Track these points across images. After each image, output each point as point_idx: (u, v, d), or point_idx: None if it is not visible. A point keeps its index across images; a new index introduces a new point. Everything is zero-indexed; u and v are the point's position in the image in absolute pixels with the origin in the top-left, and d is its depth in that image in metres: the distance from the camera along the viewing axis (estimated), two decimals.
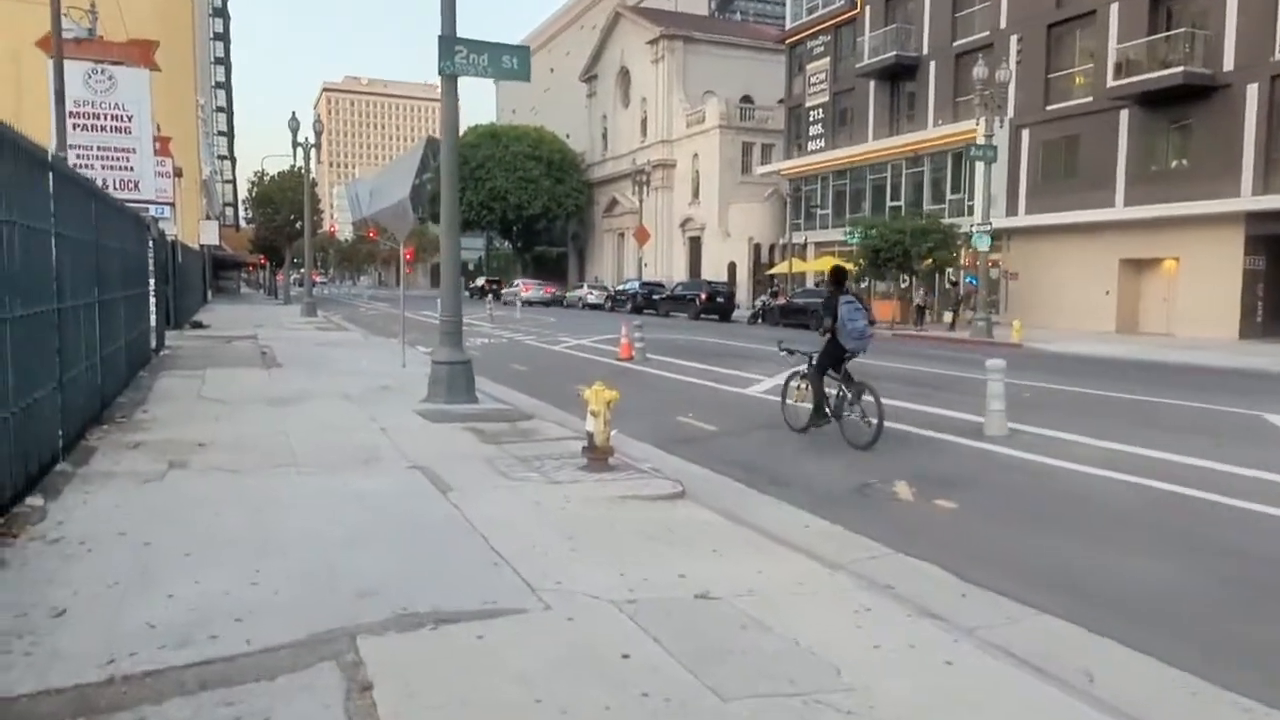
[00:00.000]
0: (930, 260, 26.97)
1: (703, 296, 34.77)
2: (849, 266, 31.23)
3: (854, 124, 36.98)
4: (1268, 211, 21.70)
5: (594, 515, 5.97)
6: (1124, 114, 25.42)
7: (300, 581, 4.45)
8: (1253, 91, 21.99)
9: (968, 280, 28.89)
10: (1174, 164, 24.60)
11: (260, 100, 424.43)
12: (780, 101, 50.87)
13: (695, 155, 50.64)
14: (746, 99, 51.16)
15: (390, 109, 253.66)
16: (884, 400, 8.80)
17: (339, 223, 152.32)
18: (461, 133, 65.45)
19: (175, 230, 24.20)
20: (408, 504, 6.10)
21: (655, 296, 39.72)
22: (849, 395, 9.08)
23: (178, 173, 33.12)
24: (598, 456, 7.25)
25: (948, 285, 27.73)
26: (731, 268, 46.10)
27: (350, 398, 11.58)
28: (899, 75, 34.23)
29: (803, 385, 9.77)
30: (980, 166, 29.13)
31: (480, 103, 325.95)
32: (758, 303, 32.61)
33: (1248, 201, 22.12)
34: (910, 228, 26.55)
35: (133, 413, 9.83)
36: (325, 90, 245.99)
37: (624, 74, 59.14)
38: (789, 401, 10.04)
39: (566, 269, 69.42)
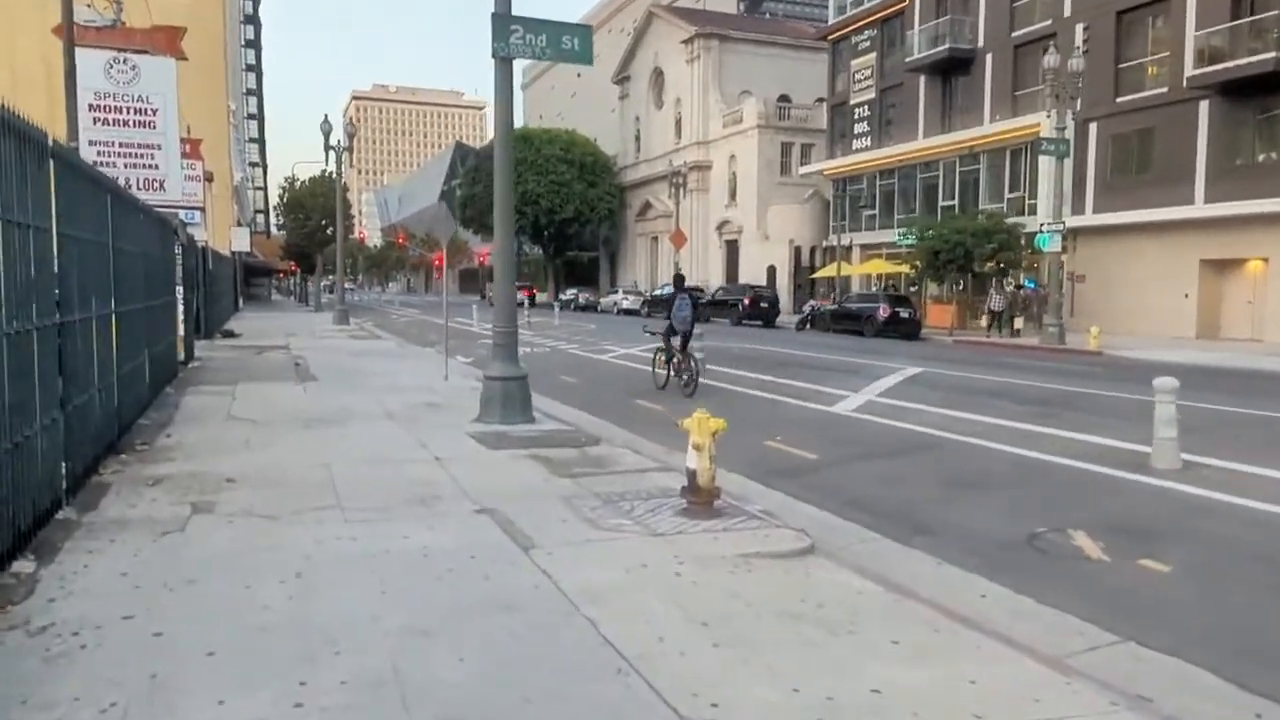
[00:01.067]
0: (994, 262, 25.44)
1: (746, 301, 33.44)
2: (905, 269, 29.79)
3: (903, 121, 35.49)
4: None
5: (719, 585, 4.74)
6: (1204, 105, 23.77)
7: (359, 701, 3.26)
8: None
9: (1027, 284, 27.35)
10: (1261, 158, 22.91)
11: (289, 109, 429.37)
12: (819, 100, 49.45)
13: (732, 156, 49.32)
14: (784, 98, 49.79)
15: (418, 116, 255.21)
16: (1029, 425, 7.44)
17: (368, 229, 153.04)
18: (491, 136, 64.84)
19: (206, 236, 23.35)
20: (483, 567, 4.90)
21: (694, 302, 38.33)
22: (681, 360, 13.20)
23: (209, 177, 32.42)
24: (701, 500, 6.00)
25: (1012, 288, 26.14)
26: (771, 271, 44.70)
27: (394, 417, 10.45)
28: (952, 69, 32.71)
29: (659, 356, 13.80)
30: (1045, 162, 27.60)
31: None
32: (806, 308, 31.21)
33: None
34: (972, 228, 25.04)
35: (155, 437, 8.76)
36: (354, 99, 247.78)
37: (657, 75, 57.99)
38: (656, 370, 13.96)
39: (598, 274, 68.36)
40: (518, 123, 66.23)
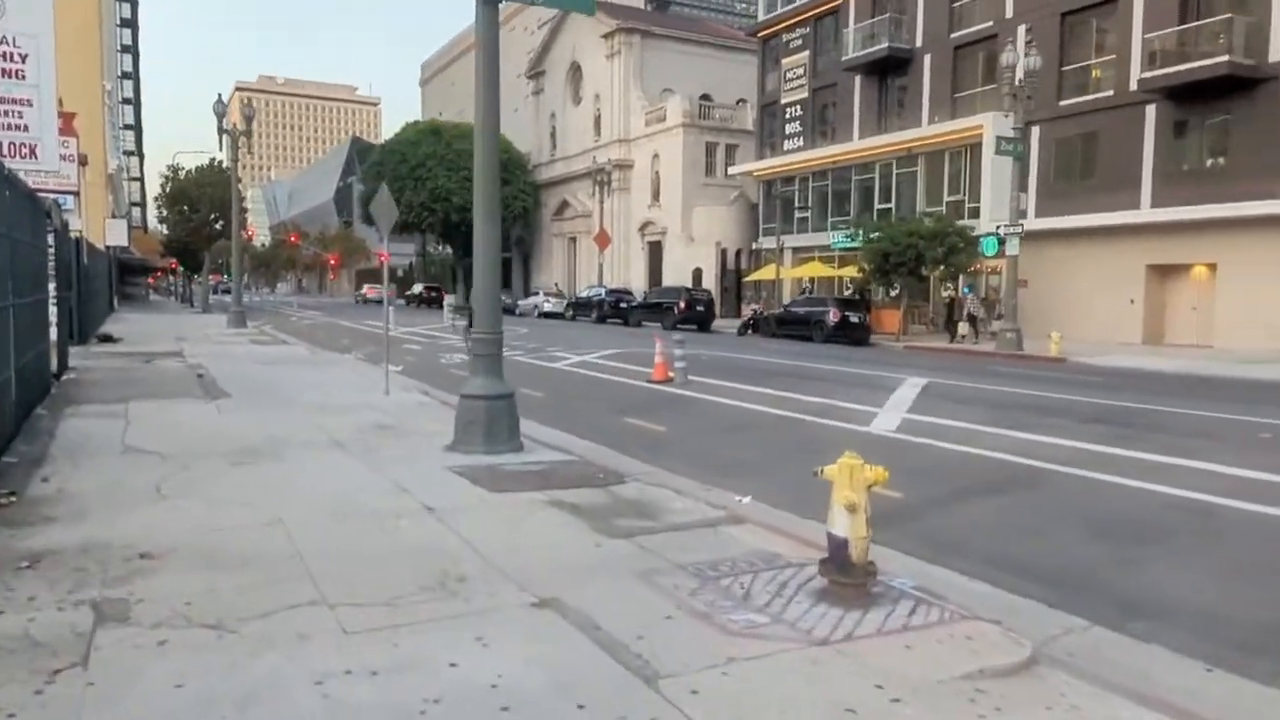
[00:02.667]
0: (944, 266, 24.76)
1: (681, 305, 31.96)
2: (846, 272, 28.83)
3: (837, 121, 34.80)
4: None
5: None
6: (1151, 109, 23.72)
7: None
8: None
9: (964, 290, 26.88)
10: (1209, 162, 22.98)
11: (165, 100, 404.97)
12: (741, 101, 48.64)
13: (655, 155, 47.92)
14: (705, 98, 48.75)
15: (308, 111, 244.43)
16: (1118, 449, 6.04)
17: (256, 227, 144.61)
18: (399, 129, 61.54)
19: (80, 225, 20.16)
20: None
21: (623, 304, 36.72)
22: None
23: (83, 160, 28.69)
24: (854, 581, 4.28)
25: (959, 294, 25.55)
26: (697, 274, 43.46)
27: (345, 446, 8.34)
28: (889, 69, 32.17)
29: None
30: (993, 164, 27.21)
31: (403, 106, 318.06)
32: (748, 311, 29.96)
33: None
34: (923, 230, 24.28)
35: (27, 482, 6.46)
36: (239, 89, 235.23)
37: (575, 69, 56.07)
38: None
39: (510, 275, 65.82)
40: (412, 116, 63.13)
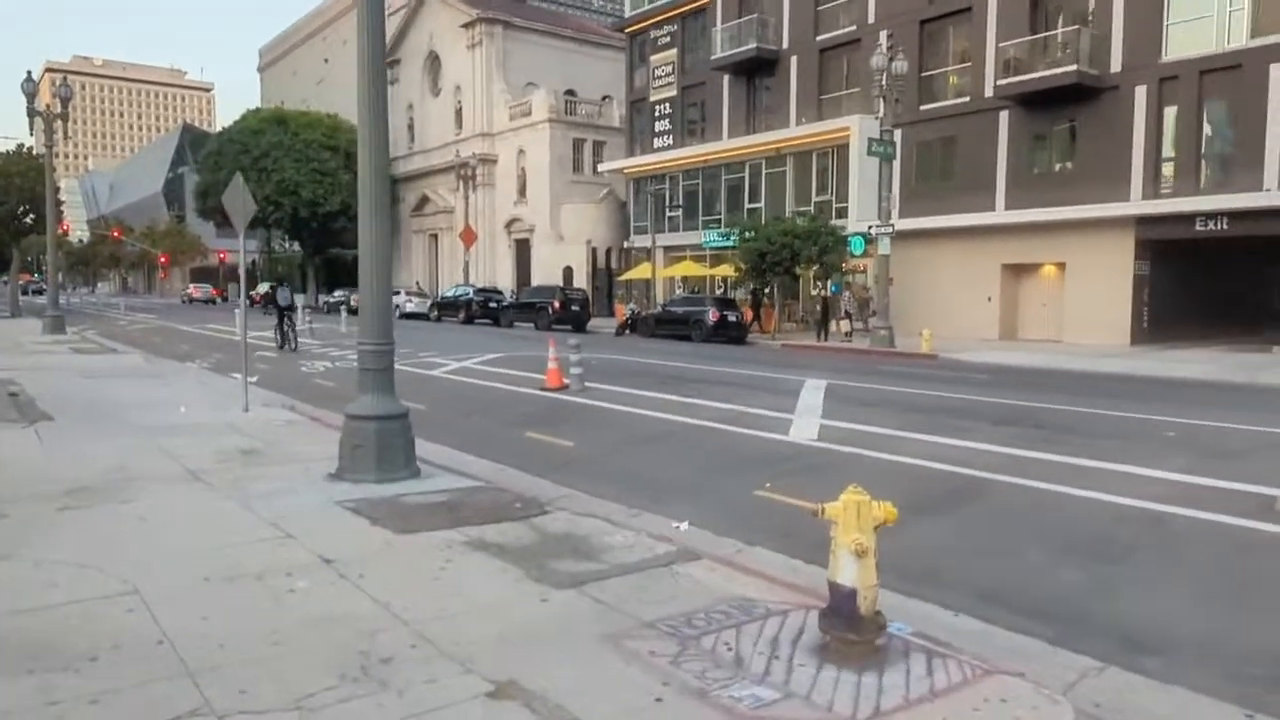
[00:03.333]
0: (817, 265, 25.10)
1: (556, 305, 31.05)
2: (721, 271, 28.77)
3: (707, 120, 34.84)
4: (1156, 215, 21.67)
5: None
6: (1004, 115, 24.91)
7: None
8: (1141, 93, 21.95)
9: (832, 289, 27.46)
10: (1058, 167, 24.36)
11: None
12: (606, 97, 48.16)
13: (521, 151, 46.65)
14: (570, 93, 47.96)
15: (131, 95, 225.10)
16: (1050, 454, 5.86)
17: (71, 221, 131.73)
18: (240, 116, 57.22)
19: None
20: None
21: (493, 305, 35.39)
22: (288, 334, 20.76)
23: None
24: (864, 638, 3.70)
25: (826, 293, 25.99)
26: (567, 273, 42.61)
27: (206, 479, 7.12)
28: (757, 70, 32.45)
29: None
30: (860, 165, 27.87)
31: (239, 95, 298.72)
32: (626, 311, 29.41)
33: (1138, 205, 22.02)
34: (797, 229, 24.50)
35: None
36: (49, 70, 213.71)
37: (433, 59, 53.86)
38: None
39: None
40: (250, 104, 58.99)
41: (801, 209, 29.83)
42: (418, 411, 11.68)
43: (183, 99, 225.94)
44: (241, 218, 10.97)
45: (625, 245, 39.55)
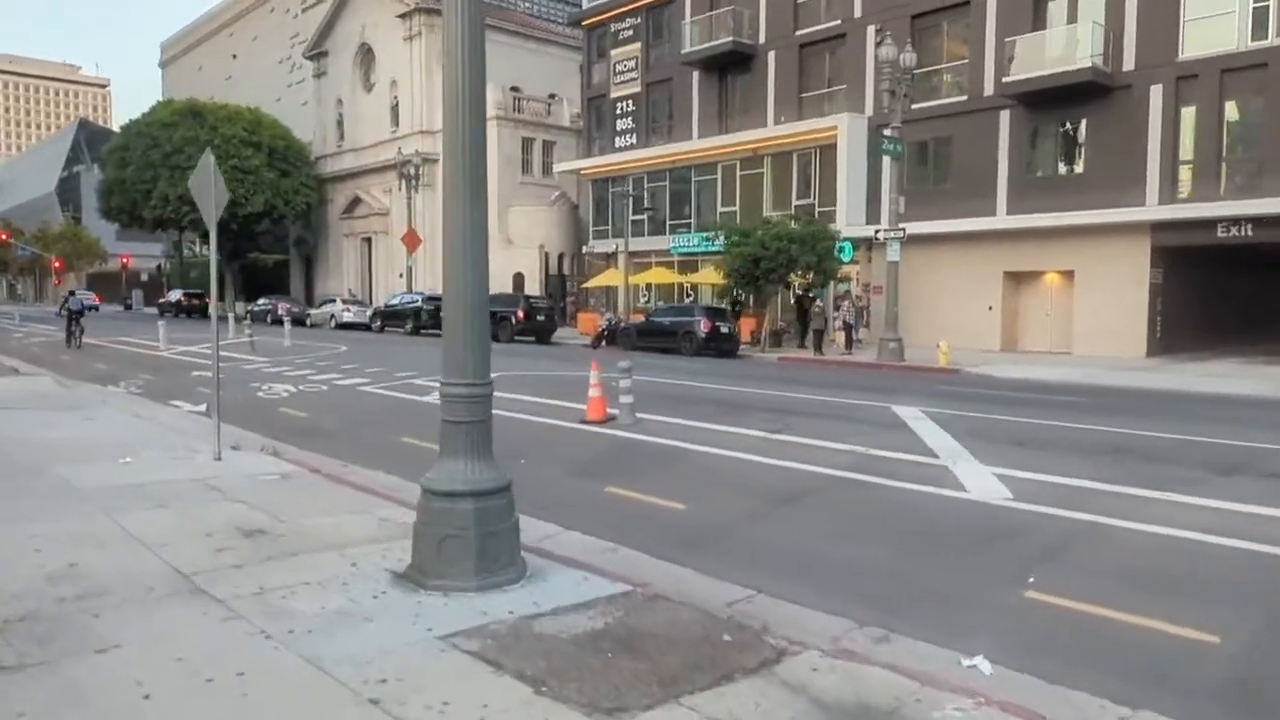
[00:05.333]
0: (813, 272, 23.37)
1: (519, 314, 28.52)
2: (701, 279, 26.74)
3: (675, 119, 32.88)
4: (1174, 221, 20.70)
5: None
6: (1005, 114, 23.74)
7: None
8: (1156, 93, 20.98)
9: (815, 296, 25.84)
10: (1064, 170, 23.26)
11: None
12: (553, 96, 45.84)
13: None
14: (515, 89, 45.45)
15: (19, 91, 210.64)
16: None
17: None
18: (149, 108, 52.47)
19: None
20: None
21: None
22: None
23: None
24: None
25: (820, 302, 24.27)
26: (518, 279, 40.04)
27: (207, 588, 4.71)
28: (730, 66, 30.67)
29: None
30: (847, 168, 26.39)
31: (138, 90, 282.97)
32: (603, 321, 27.08)
33: (1156, 211, 21.01)
34: (795, 233, 22.71)
35: None
36: None
37: (365, 52, 50.43)
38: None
39: (287, 280, 58.55)
40: (150, 101, 54.29)
41: (779, 213, 28.15)
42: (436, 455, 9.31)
43: (77, 95, 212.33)
44: (212, 205, 8.40)
45: (584, 251, 37.27)
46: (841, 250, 24.73)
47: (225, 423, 11.04)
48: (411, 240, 39.24)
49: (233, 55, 77.08)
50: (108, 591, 4.61)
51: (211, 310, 8.48)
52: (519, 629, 4.23)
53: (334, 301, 40.14)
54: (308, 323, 38.88)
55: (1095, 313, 22.09)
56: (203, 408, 12.43)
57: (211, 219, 8.39)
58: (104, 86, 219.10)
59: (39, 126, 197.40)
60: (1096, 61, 21.55)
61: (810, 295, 24.96)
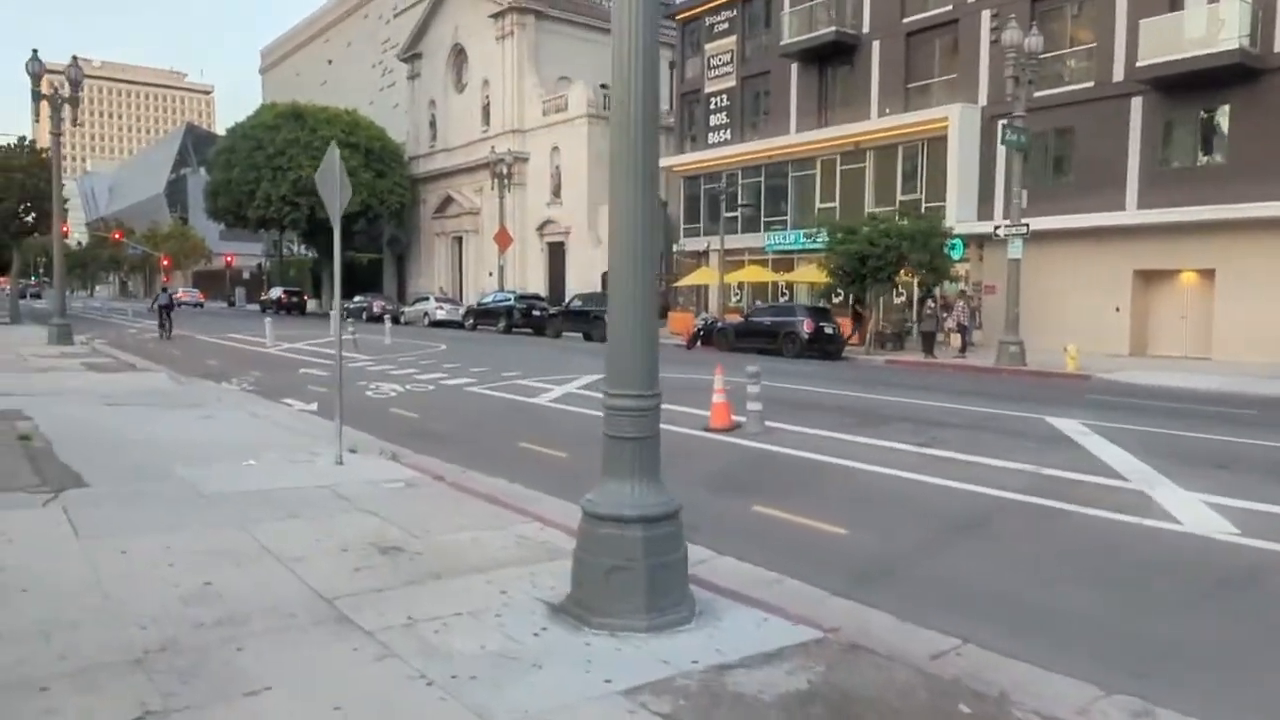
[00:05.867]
0: (924, 271, 22.20)
1: None
2: (800, 277, 25.80)
3: (771, 113, 31.99)
4: None
5: None
6: (1136, 102, 22.11)
7: None
8: None
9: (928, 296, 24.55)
10: (1204, 161, 21.54)
11: None
12: None
13: (555, 148, 43.81)
14: (604, 87, 45.15)
15: (129, 98, 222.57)
16: None
17: (70, 223, 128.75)
18: (254, 111, 54.28)
19: None
20: None
21: (537, 313, 32.48)
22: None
23: None
24: None
25: (932, 304, 23.02)
26: (606, 278, 39.70)
27: (352, 615, 4.26)
28: (831, 58, 29.63)
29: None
30: (958, 161, 25.12)
31: (241, 95, 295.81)
32: (698, 321, 26.51)
33: None
34: (906, 230, 21.61)
35: None
36: (47, 73, 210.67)
37: (458, 52, 51.04)
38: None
39: (381, 279, 59.78)
40: (253, 106, 55.94)
41: (885, 209, 26.98)
42: (566, 464, 8.84)
43: (183, 101, 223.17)
44: (337, 198, 8.11)
45: (673, 249, 36.69)
46: (952, 248, 23.48)
47: (333, 420, 10.88)
48: (503, 239, 39.41)
49: (328, 61, 79.44)
50: (247, 618, 4.22)
51: (334, 312, 8.18)
52: (712, 686, 3.63)
53: (427, 299, 40.58)
54: (401, 320, 39.41)
55: (1239, 316, 20.32)
56: (314, 406, 12.34)
57: (335, 213, 8.09)
58: (208, 93, 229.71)
59: (148, 131, 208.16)
60: (1244, 43, 19.79)
61: (933, 294, 23.73)
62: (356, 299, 45.83)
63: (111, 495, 6.54)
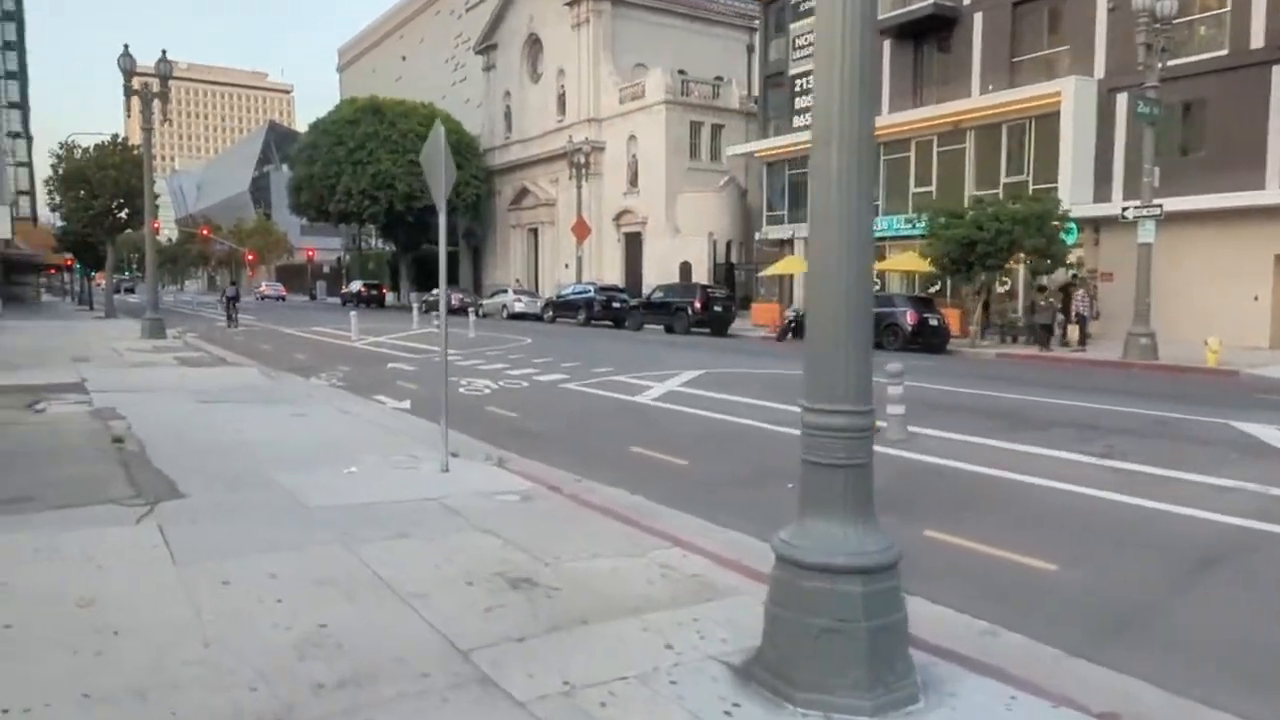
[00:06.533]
0: (1041, 257, 20.57)
1: (697, 304, 27.24)
2: (926, 266, 24.11)
3: None
4: None
5: None
6: (1278, 70, 20.14)
7: None
8: None
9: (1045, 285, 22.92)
10: None
11: (55, 87, 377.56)
12: (718, 79, 44.20)
13: (631, 137, 43.02)
14: (681, 72, 44.14)
15: (215, 98, 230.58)
16: None
17: (160, 219, 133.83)
18: (334, 106, 54.93)
19: None
20: None
21: (617, 305, 31.78)
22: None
23: None
24: None
25: (1044, 294, 21.40)
26: (685, 268, 38.83)
27: (493, 673, 3.42)
28: (927, 33, 28.03)
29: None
30: (1073, 139, 23.39)
31: (319, 94, 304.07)
32: (789, 313, 25.39)
33: None
34: (1021, 214, 20.06)
35: None
36: (139, 75, 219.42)
37: (533, 42, 50.64)
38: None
39: (457, 271, 59.94)
40: (330, 105, 56.40)
41: (988, 191, 25.36)
42: (687, 472, 8.00)
43: (264, 100, 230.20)
44: (442, 179, 7.43)
45: (756, 237, 35.51)
46: (1067, 232, 21.83)
47: (433, 422, 10.24)
48: (581, 230, 38.83)
49: (401, 57, 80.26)
50: (373, 677, 3.49)
51: (441, 305, 7.48)
52: None
53: (505, 292, 40.32)
54: (480, 313, 39.23)
55: None
56: (407, 404, 11.80)
57: (440, 196, 7.43)
58: (288, 92, 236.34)
59: (232, 130, 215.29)
60: None
61: (1070, 282, 22.13)
62: (434, 292, 45.92)
63: (209, 508, 5.95)
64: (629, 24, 45.30)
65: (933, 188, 27.65)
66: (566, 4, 45.94)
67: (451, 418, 10.06)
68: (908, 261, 24.78)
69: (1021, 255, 20.89)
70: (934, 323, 20.81)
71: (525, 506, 6.39)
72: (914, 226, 23.97)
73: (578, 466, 7.79)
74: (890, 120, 29.02)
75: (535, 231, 50.84)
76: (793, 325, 23.98)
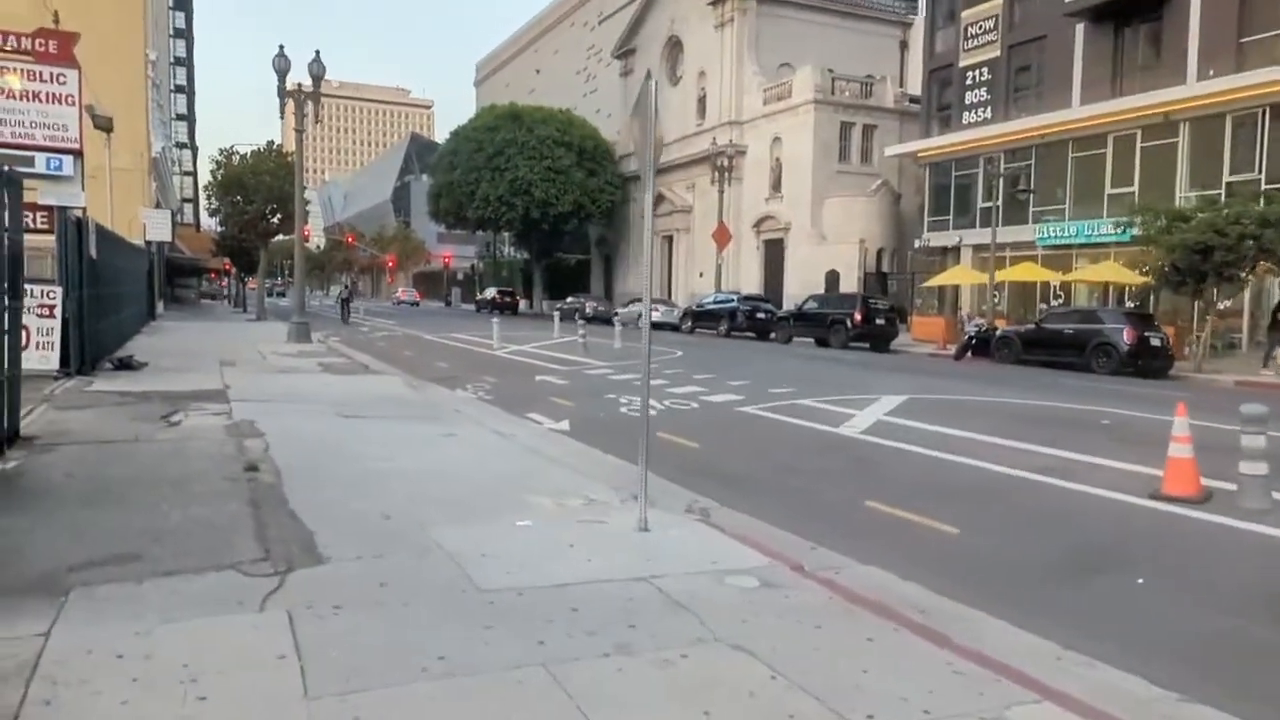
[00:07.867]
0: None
1: (856, 317, 24.87)
2: (1135, 277, 20.81)
3: (1046, 84, 27.47)
4: None
5: None
6: None
7: None
8: None
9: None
10: None
11: (218, 106, 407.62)
12: (869, 77, 41.48)
13: (776, 139, 40.89)
14: (830, 71, 41.66)
15: (362, 113, 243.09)
16: None
17: (311, 228, 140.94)
18: (474, 114, 55.41)
19: (82, 200, 13.90)
20: None
21: (762, 316, 29.74)
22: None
23: (105, 124, 22.73)
24: None
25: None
26: (832, 277, 36.32)
27: None
28: (1130, 13, 24.77)
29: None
30: None
31: (456, 112, 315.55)
32: (970, 327, 22.73)
33: None
34: (1275, 214, 16.81)
35: None
36: (289, 94, 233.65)
37: (673, 45, 49.32)
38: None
39: (588, 279, 59.31)
40: (465, 119, 56.66)
41: (1204, 192, 21.92)
42: (964, 545, 6.00)
43: (406, 115, 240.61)
44: (650, 144, 5.77)
45: (916, 244, 32.71)
46: None
47: (595, 447, 8.63)
48: (722, 236, 37.06)
49: (535, 70, 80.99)
50: None
51: (644, 308, 5.79)
52: None
53: (640, 300, 38.90)
54: (612, 321, 37.97)
55: None
56: (565, 425, 10.30)
57: (647, 163, 5.75)
58: (428, 107, 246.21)
59: (376, 143, 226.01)
60: None
61: None
62: (569, 299, 45.12)
63: (354, 583, 4.42)
64: (774, 22, 43.25)
65: (1134, 188, 24.34)
66: (710, 4, 44.35)
67: (621, 446, 8.44)
68: (1107, 272, 21.69)
69: (1270, 264, 17.57)
70: (1155, 342, 17.80)
71: (773, 600, 4.55)
72: (1124, 232, 20.85)
73: (800, 525, 5.95)
74: (1082, 114, 25.91)
75: (670, 239, 49.40)
76: (974, 342, 21.31)
